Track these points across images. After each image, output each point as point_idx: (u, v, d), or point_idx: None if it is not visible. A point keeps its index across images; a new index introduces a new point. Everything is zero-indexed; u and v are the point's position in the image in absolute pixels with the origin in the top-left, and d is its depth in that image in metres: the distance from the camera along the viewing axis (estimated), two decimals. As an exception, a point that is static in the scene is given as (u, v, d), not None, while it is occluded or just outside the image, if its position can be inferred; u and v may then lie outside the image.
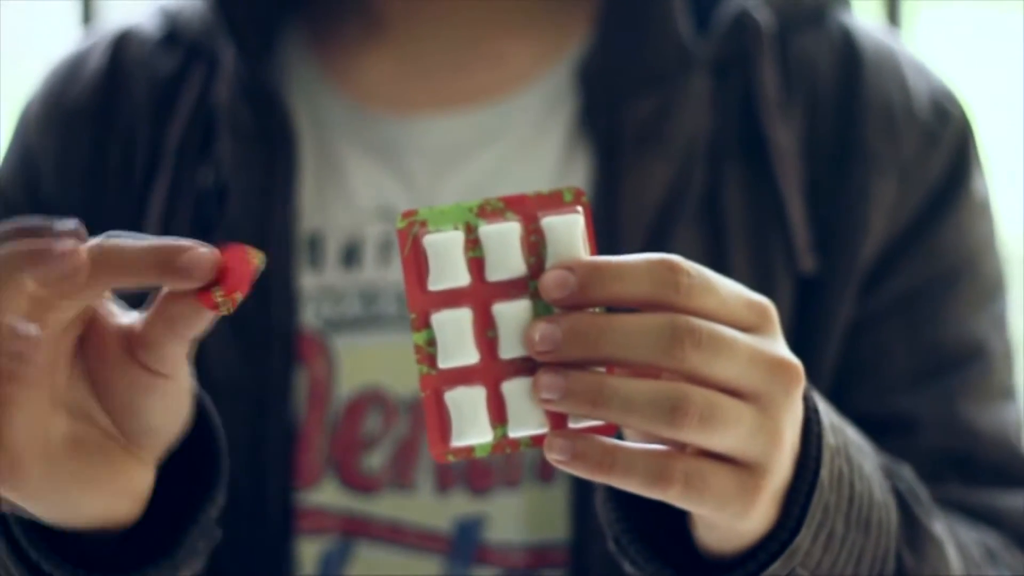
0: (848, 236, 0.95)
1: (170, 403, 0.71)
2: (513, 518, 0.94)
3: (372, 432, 0.96)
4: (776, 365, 0.68)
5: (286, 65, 1.02)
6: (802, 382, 0.70)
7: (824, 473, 0.73)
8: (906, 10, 2.11)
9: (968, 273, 0.97)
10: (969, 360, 0.96)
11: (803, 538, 0.73)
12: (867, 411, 0.94)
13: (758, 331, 0.69)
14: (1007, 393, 0.97)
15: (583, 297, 0.66)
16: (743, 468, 0.69)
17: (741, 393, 0.68)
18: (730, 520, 0.70)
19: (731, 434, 0.67)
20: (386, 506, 0.95)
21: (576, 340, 0.66)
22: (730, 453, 0.68)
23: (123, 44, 1.03)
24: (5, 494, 0.69)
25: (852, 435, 0.80)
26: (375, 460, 0.95)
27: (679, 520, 0.75)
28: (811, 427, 0.73)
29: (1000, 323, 0.98)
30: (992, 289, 0.99)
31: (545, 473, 0.94)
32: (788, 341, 0.93)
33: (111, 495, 0.71)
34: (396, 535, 0.95)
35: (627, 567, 0.75)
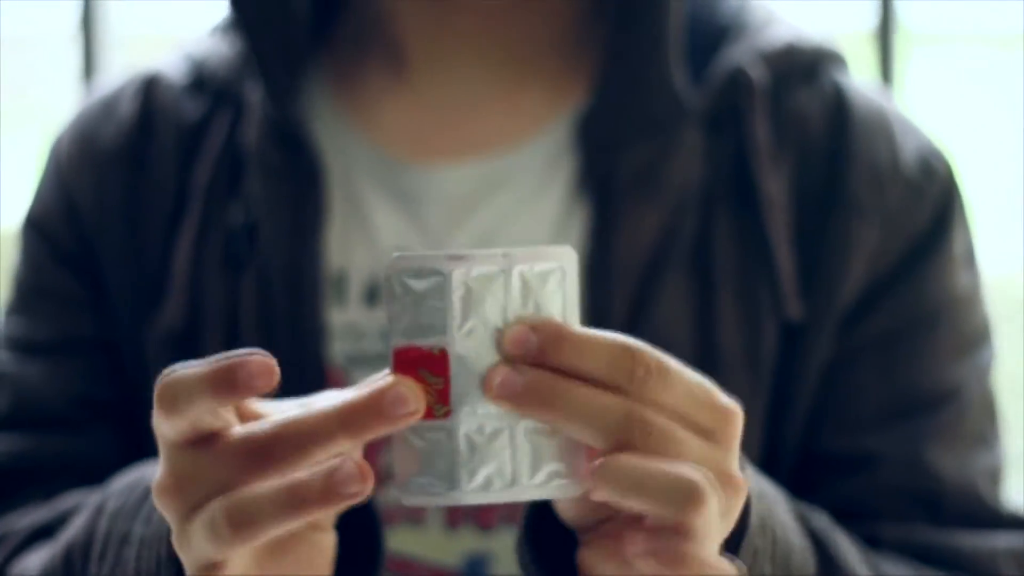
0: (829, 280, 0.98)
1: None
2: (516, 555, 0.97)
3: (389, 467, 0.98)
4: (720, 479, 0.70)
5: (311, 106, 1.04)
6: (743, 498, 0.72)
7: (753, 519, 0.76)
8: (899, 52, 2.14)
9: (947, 321, 0.99)
10: (942, 405, 0.98)
11: None
12: (834, 448, 0.97)
13: (713, 437, 0.70)
14: (981, 441, 0.99)
15: (540, 360, 0.68)
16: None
17: None
18: None
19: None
20: (399, 540, 0.97)
21: (532, 398, 0.68)
22: None
23: (152, 89, 1.06)
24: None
25: (765, 484, 0.83)
26: (390, 494, 0.97)
27: None
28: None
29: (981, 373, 1.00)
30: (973, 340, 1.01)
31: None
32: (771, 387, 0.96)
33: (306, 564, 0.75)
34: (408, 569, 0.97)
35: None
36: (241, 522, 0.68)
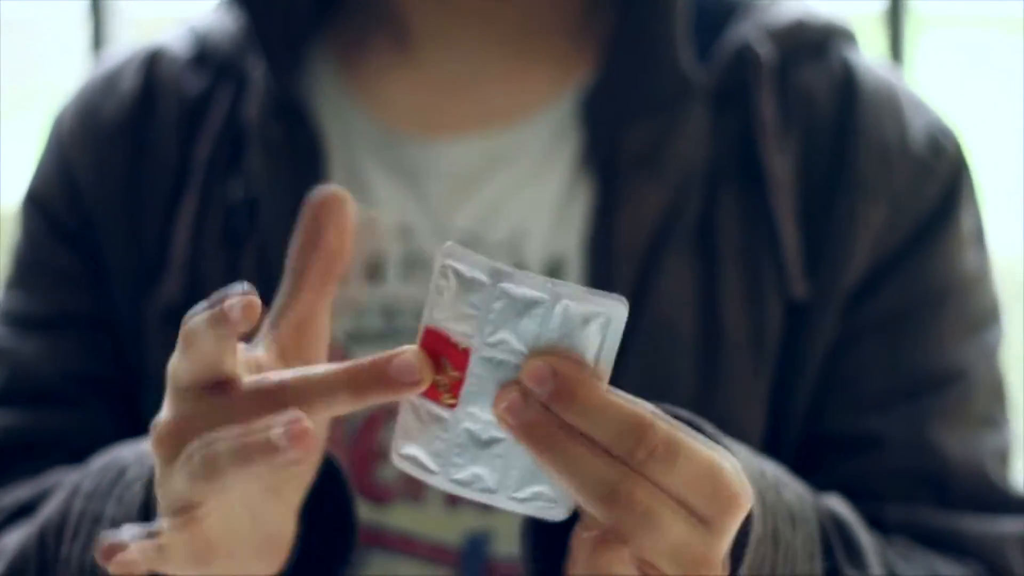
0: (835, 259, 0.97)
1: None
2: (517, 532, 0.97)
3: (387, 444, 0.97)
4: (699, 565, 0.69)
5: (314, 81, 1.04)
6: None
7: (743, 571, 0.75)
8: (909, 34, 2.14)
9: (954, 301, 0.99)
10: (947, 385, 0.97)
11: None
12: (839, 429, 0.97)
13: (706, 524, 0.69)
14: (988, 422, 0.98)
15: (549, 403, 0.67)
16: None
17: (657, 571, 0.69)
18: None
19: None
20: (398, 517, 0.97)
21: (530, 435, 0.68)
22: None
23: (155, 63, 1.05)
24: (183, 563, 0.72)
25: (787, 501, 0.81)
26: (389, 472, 0.97)
27: None
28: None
29: (988, 354, 0.99)
30: (982, 320, 1.00)
31: None
32: (776, 366, 0.95)
33: (263, 542, 0.75)
34: (408, 546, 0.97)
35: None
36: (215, 464, 0.68)
